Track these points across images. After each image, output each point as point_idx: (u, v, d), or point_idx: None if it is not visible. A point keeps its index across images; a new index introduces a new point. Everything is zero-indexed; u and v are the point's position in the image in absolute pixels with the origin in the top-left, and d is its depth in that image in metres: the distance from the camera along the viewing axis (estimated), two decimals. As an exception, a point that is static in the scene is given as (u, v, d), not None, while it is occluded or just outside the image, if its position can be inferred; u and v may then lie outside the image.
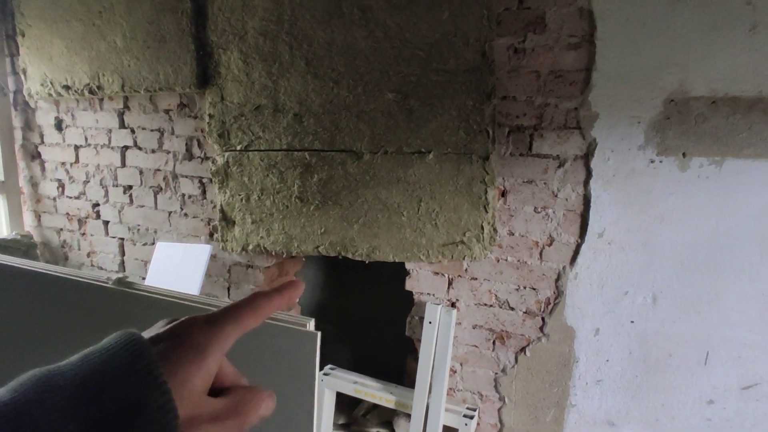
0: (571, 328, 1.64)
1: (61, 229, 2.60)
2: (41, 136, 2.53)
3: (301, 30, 1.75)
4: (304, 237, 1.91)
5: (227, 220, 2.05)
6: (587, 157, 1.54)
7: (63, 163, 2.50)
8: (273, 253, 2.00)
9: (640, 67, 1.44)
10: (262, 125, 1.89)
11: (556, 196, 1.59)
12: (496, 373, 1.78)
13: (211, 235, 2.18)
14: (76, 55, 2.21)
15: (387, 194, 1.75)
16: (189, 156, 2.14)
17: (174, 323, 0.30)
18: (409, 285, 1.87)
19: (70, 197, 2.52)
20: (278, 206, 1.93)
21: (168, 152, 2.19)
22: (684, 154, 1.44)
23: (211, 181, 2.08)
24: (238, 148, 1.95)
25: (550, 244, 1.63)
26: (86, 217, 2.49)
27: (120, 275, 1.31)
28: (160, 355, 0.27)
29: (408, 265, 1.85)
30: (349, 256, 1.86)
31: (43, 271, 1.35)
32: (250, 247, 2.02)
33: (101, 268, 2.52)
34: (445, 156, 1.65)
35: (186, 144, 2.14)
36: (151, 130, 2.20)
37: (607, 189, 1.53)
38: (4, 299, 1.39)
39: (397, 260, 1.80)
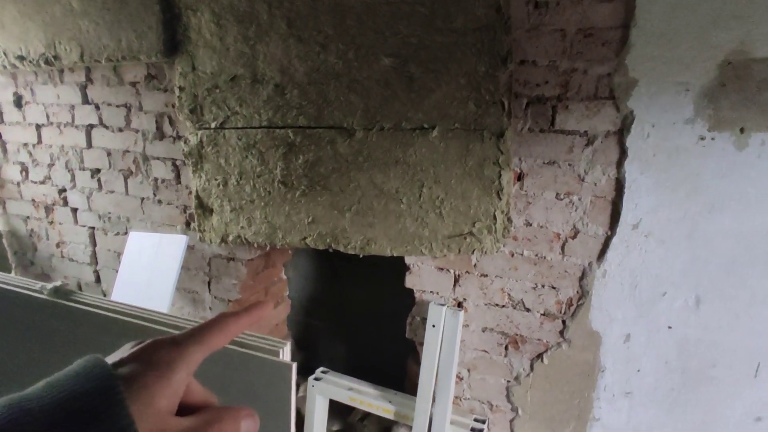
0: (597, 333, 1.42)
1: (28, 217, 2.37)
2: (0, 114, 2.27)
3: (281, -16, 1.48)
4: (290, 227, 1.68)
5: (204, 208, 1.81)
6: (622, 133, 1.29)
7: (25, 145, 2.25)
8: (255, 245, 1.77)
9: (690, 21, 1.17)
10: (239, 98, 1.63)
11: (582, 179, 1.35)
12: (509, 382, 1.57)
13: (187, 224, 1.94)
14: (30, 20, 1.94)
15: (383, 178, 1.51)
16: (160, 135, 1.89)
17: (139, 346, 0.30)
18: (410, 282, 1.64)
19: (35, 182, 2.28)
20: (259, 192, 1.68)
21: (137, 131, 1.93)
22: (742, 130, 1.18)
23: (185, 163, 1.83)
24: (213, 125, 1.69)
25: (574, 237, 1.39)
26: (53, 204, 2.26)
27: (57, 283, 1.08)
28: (124, 378, 0.27)
29: (408, 260, 1.62)
30: (341, 249, 1.63)
31: None
32: (230, 237, 1.79)
33: (72, 260, 2.30)
34: (452, 132, 1.40)
35: (156, 121, 1.88)
36: (117, 106, 1.95)
37: (645, 171, 1.28)
38: None
39: (395, 254, 1.56)
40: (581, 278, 1.40)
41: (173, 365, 0.29)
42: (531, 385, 1.53)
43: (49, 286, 1.06)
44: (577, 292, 1.42)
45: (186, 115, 1.72)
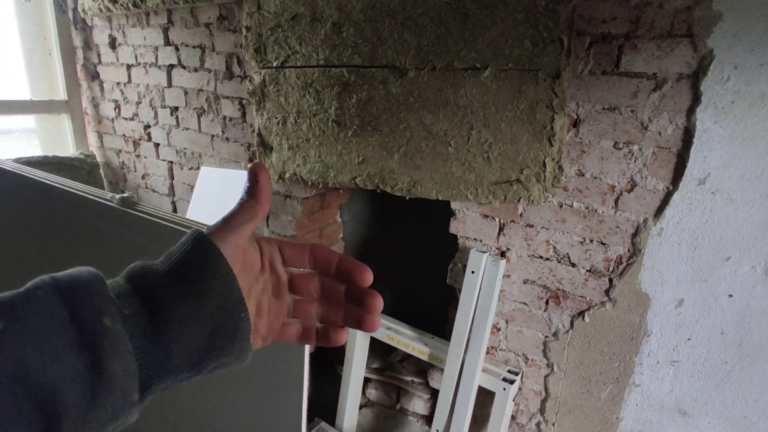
0: (646, 295, 1.33)
1: (120, 150, 2.64)
2: (98, 55, 2.52)
3: None
4: (341, 166, 1.72)
5: (265, 146, 1.90)
6: (696, 76, 1.15)
7: (118, 83, 2.48)
8: (309, 183, 1.85)
9: (797, -58, 1.00)
10: (299, 37, 1.67)
11: (645, 128, 1.24)
12: (546, 337, 1.53)
13: (250, 160, 2.06)
14: (121, -37, 2.10)
15: (433, 119, 1.49)
16: (229, 75, 2.00)
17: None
18: (454, 227, 1.64)
19: (126, 118, 2.52)
20: (315, 131, 1.74)
21: (209, 71, 2.06)
22: None
23: (249, 102, 1.93)
24: (275, 64, 1.75)
25: (630, 190, 1.30)
26: (140, 139, 2.49)
27: (125, 194, 1.21)
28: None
29: (454, 205, 1.61)
30: (388, 190, 1.65)
31: (50, 182, 1.29)
32: (287, 175, 1.88)
33: (154, 191, 2.55)
34: (505, 73, 1.34)
35: (226, 61, 1.99)
36: (193, 47, 2.07)
37: (720, 120, 1.15)
38: (12, 207, 1.37)
39: (440, 198, 1.56)
40: (634, 235, 1.31)
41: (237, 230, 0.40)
42: (569, 343, 1.49)
43: (118, 196, 1.19)
44: (629, 249, 1.33)
45: (251, 55, 1.80)
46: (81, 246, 1.26)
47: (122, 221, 1.18)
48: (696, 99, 1.16)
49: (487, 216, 1.55)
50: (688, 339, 1.31)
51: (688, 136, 1.19)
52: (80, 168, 2.63)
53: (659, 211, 1.27)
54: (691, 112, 1.18)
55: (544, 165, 1.36)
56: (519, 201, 1.44)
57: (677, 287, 1.29)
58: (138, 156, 2.55)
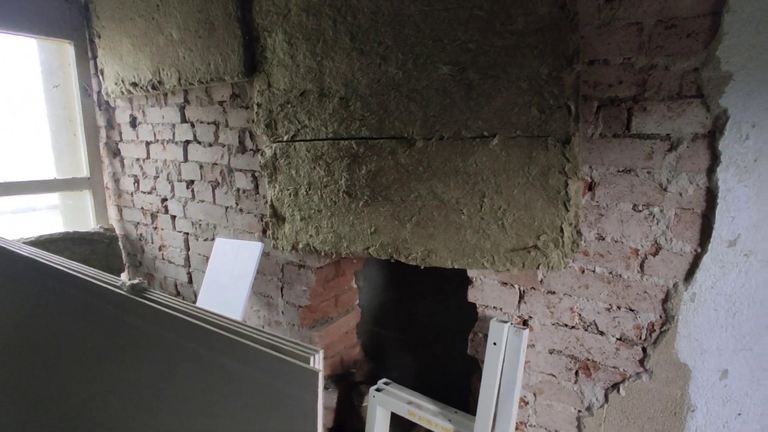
0: (685, 365, 1.23)
1: (138, 223, 2.69)
2: (120, 133, 2.62)
3: (345, 0, 1.53)
4: (354, 236, 1.70)
5: (277, 217, 1.91)
6: (712, 135, 1.12)
7: (137, 159, 2.56)
8: (323, 253, 1.82)
9: (801, 1, 0.99)
10: (308, 112, 1.70)
11: (665, 189, 1.19)
12: (580, 411, 1.42)
13: (264, 231, 2.06)
14: (140, 51, 2.22)
15: (443, 188, 1.47)
16: (242, 149, 2.04)
17: None
18: (472, 296, 1.57)
19: (144, 192, 2.58)
20: (326, 202, 1.74)
21: (223, 145, 2.11)
22: None
23: (262, 174, 1.96)
24: (285, 138, 1.79)
25: (655, 253, 1.23)
26: (157, 212, 2.54)
27: (135, 281, 1.20)
28: None
29: (470, 272, 1.55)
30: (402, 259, 1.61)
31: (56, 266, 1.29)
32: (300, 245, 1.86)
33: (171, 262, 2.56)
34: (513, 140, 1.33)
35: (239, 136, 2.04)
36: (208, 123, 2.14)
37: (744, 179, 1.10)
38: (16, 290, 1.36)
39: (456, 266, 1.51)
40: (664, 301, 1.23)
41: None
42: (605, 419, 1.37)
43: (128, 282, 1.18)
44: (660, 316, 1.25)
45: (263, 130, 1.84)
46: (91, 333, 1.24)
47: (131, 309, 1.17)
48: (715, 158, 1.12)
49: (506, 283, 1.49)
50: (739, 414, 1.19)
51: (711, 197, 1.14)
52: (99, 242, 2.67)
53: (689, 274, 1.19)
54: (711, 171, 1.13)
55: (562, 230, 1.31)
56: (538, 267, 1.38)
57: (719, 357, 1.19)
58: (155, 228, 2.59)
